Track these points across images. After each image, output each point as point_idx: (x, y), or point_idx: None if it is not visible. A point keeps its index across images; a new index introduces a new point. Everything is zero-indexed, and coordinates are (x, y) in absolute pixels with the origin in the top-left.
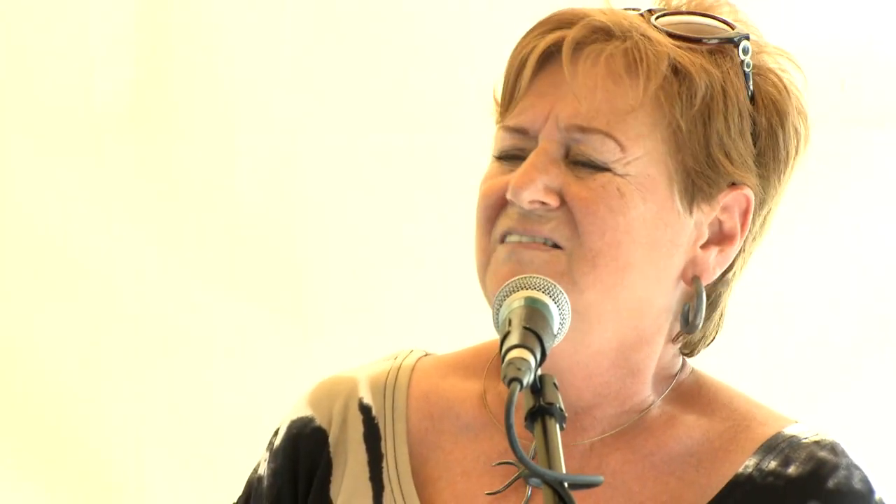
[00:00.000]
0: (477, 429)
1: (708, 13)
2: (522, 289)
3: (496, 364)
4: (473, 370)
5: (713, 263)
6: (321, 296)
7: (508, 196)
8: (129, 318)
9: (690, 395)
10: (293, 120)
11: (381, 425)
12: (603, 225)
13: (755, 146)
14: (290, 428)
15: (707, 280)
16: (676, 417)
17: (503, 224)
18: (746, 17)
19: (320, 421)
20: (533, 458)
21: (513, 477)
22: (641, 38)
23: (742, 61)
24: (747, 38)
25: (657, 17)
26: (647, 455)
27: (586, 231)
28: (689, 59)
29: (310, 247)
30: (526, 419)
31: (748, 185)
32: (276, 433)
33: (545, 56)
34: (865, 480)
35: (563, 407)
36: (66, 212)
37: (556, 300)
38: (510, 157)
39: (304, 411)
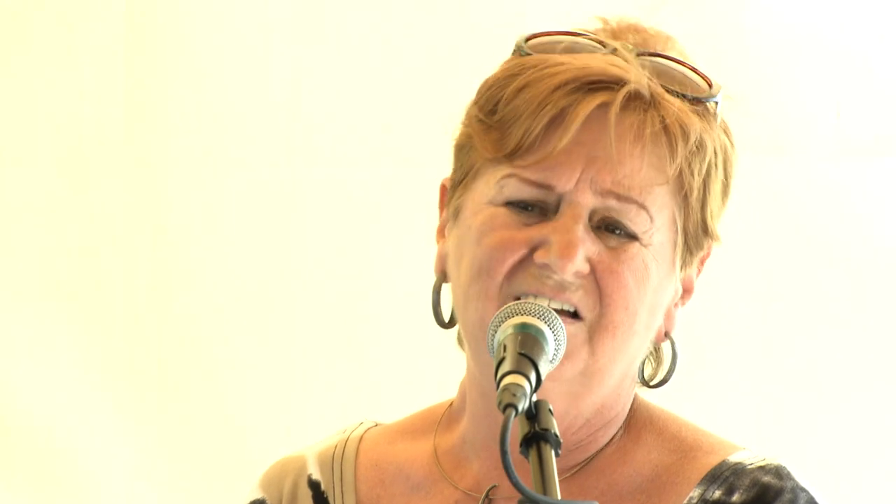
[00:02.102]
0: (427, 486)
1: (684, 62)
2: (517, 314)
3: (445, 422)
4: (422, 431)
5: (678, 317)
6: (313, 320)
7: (546, 261)
8: (119, 335)
9: (641, 425)
10: (284, 146)
11: (330, 498)
12: (628, 298)
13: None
14: None
15: (671, 333)
16: (627, 454)
17: (526, 284)
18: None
19: (271, 502)
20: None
21: None
22: (673, 108)
23: (716, 115)
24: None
25: (639, 55)
26: (598, 495)
27: (612, 303)
28: (701, 125)
29: (302, 271)
30: (521, 445)
31: (716, 242)
32: None
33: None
34: (812, 502)
35: (557, 433)
36: (57, 236)
37: (551, 326)
38: (525, 208)
39: (256, 494)
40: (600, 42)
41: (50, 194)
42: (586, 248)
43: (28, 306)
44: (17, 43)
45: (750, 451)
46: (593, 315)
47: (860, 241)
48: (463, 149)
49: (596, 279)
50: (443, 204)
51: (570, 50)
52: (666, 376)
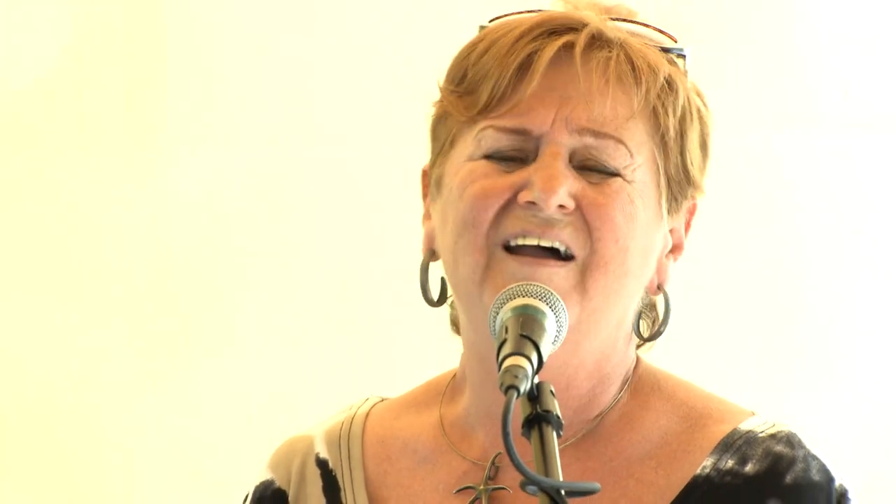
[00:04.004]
0: (434, 459)
1: (652, 25)
2: (519, 296)
3: (450, 393)
4: (427, 404)
5: (671, 271)
6: (311, 306)
7: (530, 199)
8: (121, 326)
9: (648, 390)
10: (285, 132)
11: (338, 476)
12: (617, 231)
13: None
14: (254, 493)
15: (665, 287)
16: (635, 419)
17: (512, 226)
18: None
19: (280, 482)
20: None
21: (470, 500)
22: (638, 48)
23: (686, 72)
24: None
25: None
26: (607, 461)
27: (602, 237)
28: (670, 67)
29: (302, 256)
30: (523, 426)
31: (700, 194)
32: (245, 498)
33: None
34: (824, 470)
35: (559, 414)
36: (60, 220)
37: (553, 308)
38: (504, 158)
39: (265, 475)
40: None
41: (51, 180)
42: (569, 184)
43: (27, 286)
44: (15, 21)
45: (759, 417)
46: (585, 253)
47: (868, 216)
48: (438, 122)
49: (583, 215)
50: (425, 189)
51: None
52: (660, 328)
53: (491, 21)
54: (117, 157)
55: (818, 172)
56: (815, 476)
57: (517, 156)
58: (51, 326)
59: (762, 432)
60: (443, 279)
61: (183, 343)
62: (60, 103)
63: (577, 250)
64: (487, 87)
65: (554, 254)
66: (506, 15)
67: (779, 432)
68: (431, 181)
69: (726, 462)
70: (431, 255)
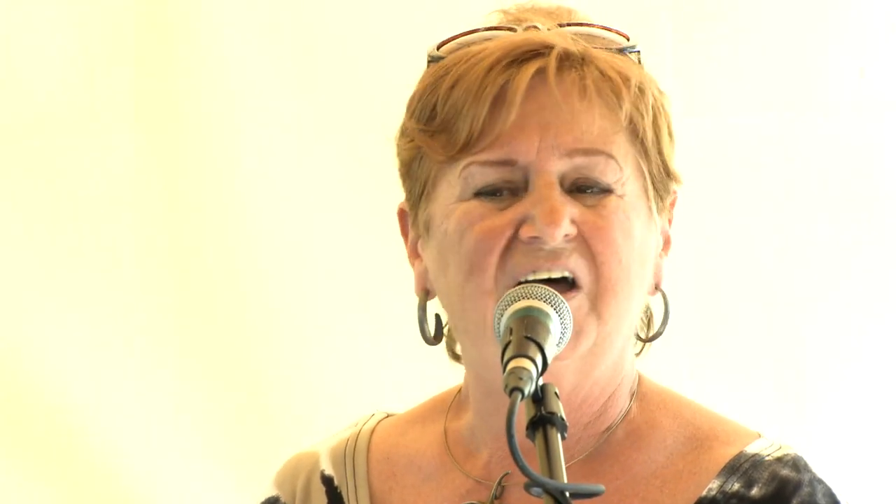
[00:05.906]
0: (438, 476)
1: (598, 24)
2: (523, 298)
3: (455, 409)
4: (432, 419)
5: (665, 269)
6: (323, 289)
7: (535, 234)
8: (135, 314)
9: (654, 408)
10: (295, 118)
11: (343, 493)
12: (619, 252)
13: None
14: None
15: (661, 285)
16: (641, 438)
17: (519, 264)
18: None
19: (285, 499)
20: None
21: None
22: (604, 60)
23: (641, 64)
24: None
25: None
26: (612, 480)
27: (605, 261)
28: (636, 70)
29: (314, 244)
30: (527, 428)
31: (678, 184)
32: None
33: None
34: (829, 494)
35: (563, 416)
36: (71, 209)
37: (557, 309)
38: (495, 192)
39: (270, 491)
40: (510, 29)
41: (60, 172)
42: (567, 210)
43: (38, 275)
44: (24, 7)
45: (766, 440)
46: (590, 279)
47: (884, 201)
48: (413, 163)
49: (585, 239)
50: (404, 228)
51: (488, 39)
52: (660, 329)
53: (439, 46)
54: (128, 148)
55: (833, 155)
56: (821, 500)
57: (507, 187)
58: (64, 315)
59: (768, 455)
60: (437, 316)
61: (200, 327)
62: (69, 95)
63: (583, 277)
64: (465, 124)
65: (562, 282)
66: (454, 38)
67: (785, 455)
68: (419, 224)
69: (732, 485)
70: (426, 294)
